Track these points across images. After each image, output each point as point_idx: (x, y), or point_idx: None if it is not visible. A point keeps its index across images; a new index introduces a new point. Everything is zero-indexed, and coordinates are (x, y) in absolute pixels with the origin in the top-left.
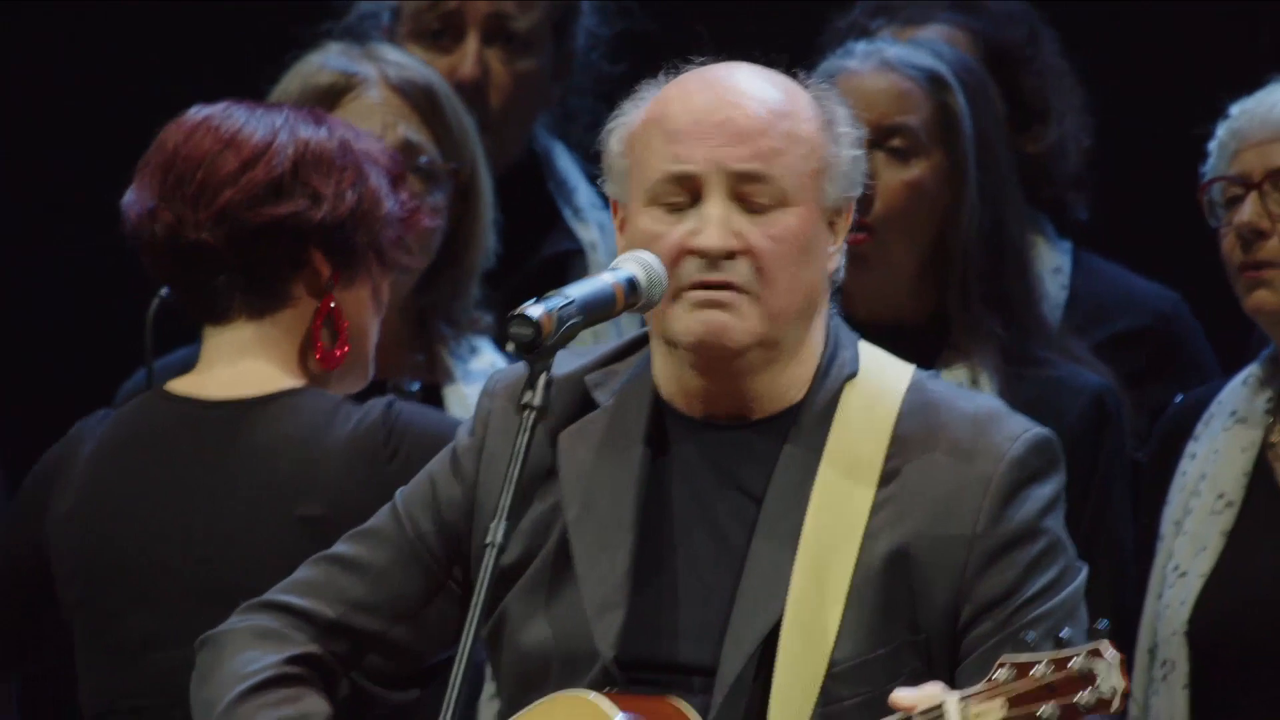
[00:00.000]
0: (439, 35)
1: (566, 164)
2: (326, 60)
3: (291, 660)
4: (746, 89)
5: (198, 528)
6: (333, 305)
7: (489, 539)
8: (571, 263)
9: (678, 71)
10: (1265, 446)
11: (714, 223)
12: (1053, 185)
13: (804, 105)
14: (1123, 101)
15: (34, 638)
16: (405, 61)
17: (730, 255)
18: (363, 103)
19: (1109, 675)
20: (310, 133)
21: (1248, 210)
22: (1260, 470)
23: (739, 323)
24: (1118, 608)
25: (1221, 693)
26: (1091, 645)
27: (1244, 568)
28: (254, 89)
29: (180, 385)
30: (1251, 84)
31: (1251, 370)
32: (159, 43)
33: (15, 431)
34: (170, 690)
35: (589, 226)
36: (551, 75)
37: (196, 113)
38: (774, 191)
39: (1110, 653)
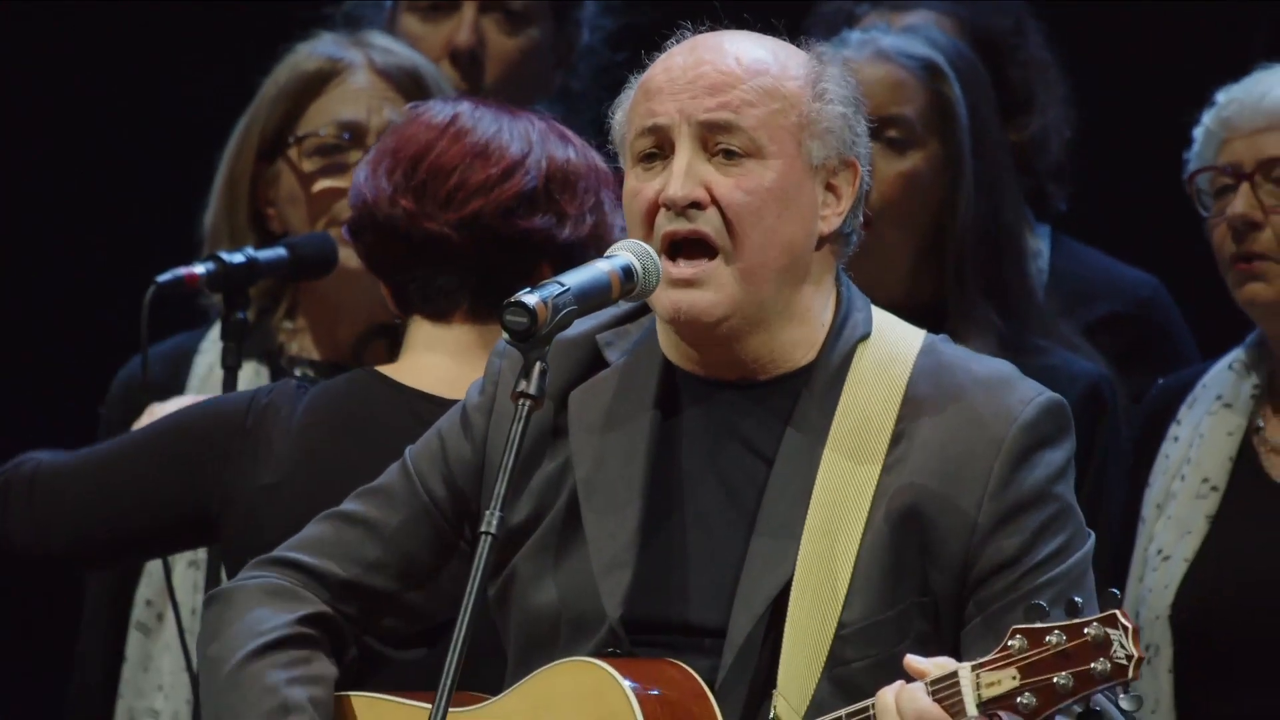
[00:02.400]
0: (436, 5)
1: None
2: (315, 47)
3: (302, 620)
4: (727, 48)
5: None
6: None
7: (484, 528)
8: None
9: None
10: (1250, 431)
11: (677, 173)
12: (1033, 175)
13: (791, 65)
14: (1103, 92)
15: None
16: (392, 47)
17: (697, 205)
18: (348, 88)
19: (1124, 643)
20: (561, 152)
21: (1240, 202)
22: (1245, 455)
23: (712, 295)
24: None
25: (1206, 676)
26: (1106, 613)
27: (1228, 553)
28: (253, 83)
29: (397, 373)
30: (1237, 76)
31: (1237, 355)
32: (157, 41)
33: (12, 425)
34: None
35: None
36: (553, 63)
37: (441, 111)
38: (745, 141)
39: (1125, 620)
